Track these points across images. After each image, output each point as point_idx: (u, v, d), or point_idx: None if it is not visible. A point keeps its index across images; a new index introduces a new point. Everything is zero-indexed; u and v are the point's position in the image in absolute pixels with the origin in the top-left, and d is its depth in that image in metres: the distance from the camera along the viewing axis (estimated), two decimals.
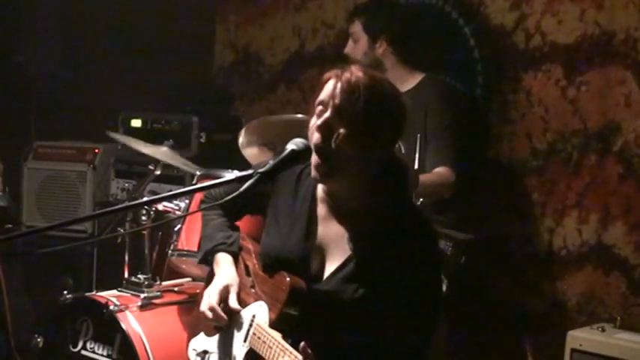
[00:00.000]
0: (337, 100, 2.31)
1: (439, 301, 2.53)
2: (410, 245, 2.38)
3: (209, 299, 2.55)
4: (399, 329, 2.36)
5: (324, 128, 2.32)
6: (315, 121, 2.36)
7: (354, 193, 2.43)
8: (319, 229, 2.49)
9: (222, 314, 2.53)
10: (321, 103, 2.36)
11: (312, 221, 2.50)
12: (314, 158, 2.35)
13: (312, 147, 2.35)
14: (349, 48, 4.10)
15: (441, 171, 3.76)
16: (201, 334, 2.69)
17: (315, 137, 2.34)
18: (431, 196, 3.75)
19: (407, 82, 3.97)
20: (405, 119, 2.42)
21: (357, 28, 4.06)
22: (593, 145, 3.90)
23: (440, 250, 2.53)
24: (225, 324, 2.56)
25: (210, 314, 2.54)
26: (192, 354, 2.72)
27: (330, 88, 2.35)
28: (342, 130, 2.30)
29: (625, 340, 3.47)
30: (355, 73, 2.34)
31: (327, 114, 2.33)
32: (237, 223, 2.85)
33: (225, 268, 2.64)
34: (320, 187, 2.52)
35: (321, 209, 2.51)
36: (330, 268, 2.45)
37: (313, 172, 2.37)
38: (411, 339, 2.38)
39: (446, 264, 3.74)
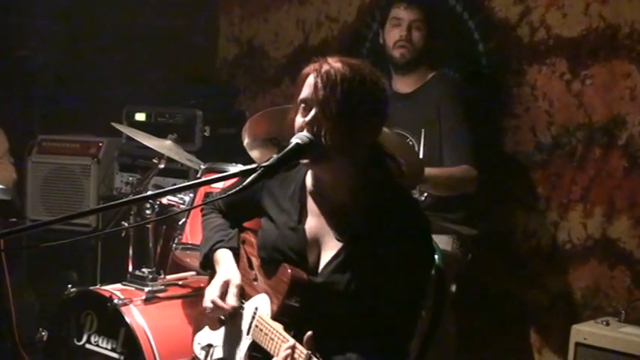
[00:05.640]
0: (320, 96, 2.33)
1: (427, 280, 2.55)
2: (399, 233, 2.39)
3: (210, 294, 2.56)
4: (390, 310, 2.38)
5: (312, 125, 2.34)
6: (301, 119, 2.38)
7: (342, 182, 2.44)
8: (311, 222, 2.51)
9: (223, 304, 2.53)
10: (304, 101, 2.38)
11: (303, 215, 2.52)
12: None
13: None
14: (406, 34, 3.92)
15: (463, 167, 3.77)
16: (206, 328, 2.70)
17: (304, 134, 2.34)
18: (455, 190, 3.76)
19: (423, 77, 3.97)
20: (387, 103, 2.44)
21: (421, 16, 3.93)
22: (597, 139, 3.89)
23: (429, 236, 2.52)
24: (228, 314, 2.57)
25: (211, 306, 2.54)
26: (196, 348, 2.73)
27: (310, 83, 2.37)
28: (329, 124, 2.31)
29: (630, 334, 3.47)
30: (333, 64, 2.36)
31: (312, 112, 2.34)
32: None
33: (225, 265, 2.65)
34: (309, 182, 2.53)
35: (311, 203, 2.53)
36: (324, 259, 2.47)
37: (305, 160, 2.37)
38: (401, 319, 2.41)
39: (453, 264, 3.76)
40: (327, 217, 2.49)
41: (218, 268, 2.65)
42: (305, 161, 2.37)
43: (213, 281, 2.61)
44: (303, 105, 2.38)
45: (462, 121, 3.86)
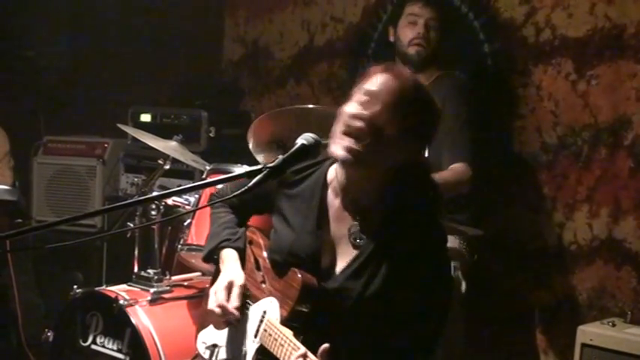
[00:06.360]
0: (391, 97, 2.30)
1: (447, 295, 2.53)
2: (416, 241, 2.38)
3: (216, 297, 2.55)
4: (409, 325, 2.36)
5: (371, 121, 2.30)
6: (357, 109, 2.33)
7: (370, 188, 2.43)
8: (330, 225, 2.49)
9: (233, 311, 2.53)
10: (369, 93, 2.33)
11: (322, 217, 2.50)
12: (348, 141, 2.31)
13: (346, 131, 2.32)
14: (421, 29, 3.91)
15: (457, 167, 3.75)
16: (211, 327, 2.69)
17: (357, 124, 2.30)
18: (448, 193, 3.76)
19: (429, 78, 3.96)
20: (437, 127, 2.43)
21: (436, 15, 3.94)
22: (603, 140, 3.88)
23: (446, 246, 2.52)
24: (236, 320, 2.56)
25: (219, 311, 2.53)
26: (201, 347, 2.72)
27: (381, 82, 2.34)
28: (388, 128, 2.29)
29: (636, 334, 3.46)
30: (406, 73, 2.38)
31: (376, 107, 2.31)
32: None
33: (229, 265, 2.64)
34: (333, 182, 2.52)
35: (333, 205, 2.51)
36: (340, 264, 2.45)
37: (344, 155, 2.32)
38: (420, 334, 2.38)
39: (462, 263, 3.76)
40: (346, 221, 2.48)
41: (222, 268, 2.65)
42: (347, 157, 2.31)
43: (217, 282, 2.60)
44: (366, 97, 2.34)
45: (463, 121, 3.84)
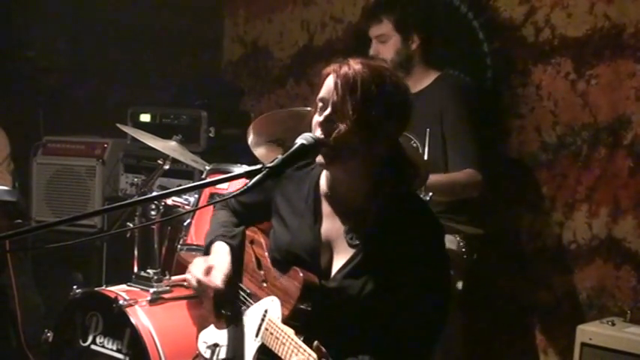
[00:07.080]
0: (335, 97, 2.32)
1: (446, 291, 2.52)
2: (413, 238, 2.38)
3: (194, 274, 2.60)
4: (409, 322, 2.36)
5: (325, 125, 2.34)
6: (315, 119, 2.38)
7: (357, 185, 2.43)
8: (325, 225, 2.50)
9: (208, 282, 2.57)
10: (321, 100, 2.38)
11: (317, 217, 2.51)
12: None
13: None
14: (375, 50, 3.97)
15: (467, 172, 3.76)
16: (212, 327, 2.70)
17: (317, 133, 2.35)
18: (458, 196, 3.76)
19: (424, 79, 3.95)
20: (410, 107, 2.42)
21: (386, 27, 3.94)
22: (603, 139, 3.89)
23: (443, 241, 2.52)
24: (234, 314, 2.57)
25: (195, 285, 2.58)
26: (202, 346, 2.72)
27: (329, 84, 2.36)
28: (342, 126, 2.30)
29: (635, 334, 3.46)
30: (353, 66, 2.35)
31: (327, 111, 2.34)
32: None
33: (216, 255, 2.65)
34: (323, 184, 2.52)
35: (325, 206, 2.52)
36: (337, 264, 2.45)
37: (318, 158, 2.36)
38: (420, 331, 2.38)
39: (460, 262, 3.76)
40: (340, 221, 2.48)
41: (209, 258, 2.66)
42: (320, 161, 2.36)
43: (195, 262, 2.64)
44: (320, 104, 2.38)
45: (466, 124, 3.84)
